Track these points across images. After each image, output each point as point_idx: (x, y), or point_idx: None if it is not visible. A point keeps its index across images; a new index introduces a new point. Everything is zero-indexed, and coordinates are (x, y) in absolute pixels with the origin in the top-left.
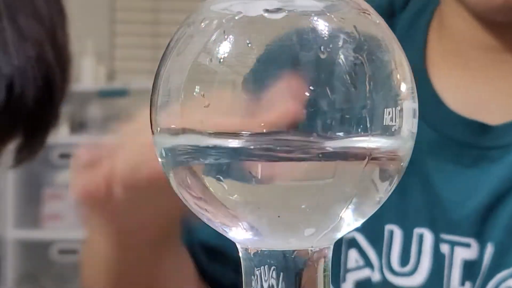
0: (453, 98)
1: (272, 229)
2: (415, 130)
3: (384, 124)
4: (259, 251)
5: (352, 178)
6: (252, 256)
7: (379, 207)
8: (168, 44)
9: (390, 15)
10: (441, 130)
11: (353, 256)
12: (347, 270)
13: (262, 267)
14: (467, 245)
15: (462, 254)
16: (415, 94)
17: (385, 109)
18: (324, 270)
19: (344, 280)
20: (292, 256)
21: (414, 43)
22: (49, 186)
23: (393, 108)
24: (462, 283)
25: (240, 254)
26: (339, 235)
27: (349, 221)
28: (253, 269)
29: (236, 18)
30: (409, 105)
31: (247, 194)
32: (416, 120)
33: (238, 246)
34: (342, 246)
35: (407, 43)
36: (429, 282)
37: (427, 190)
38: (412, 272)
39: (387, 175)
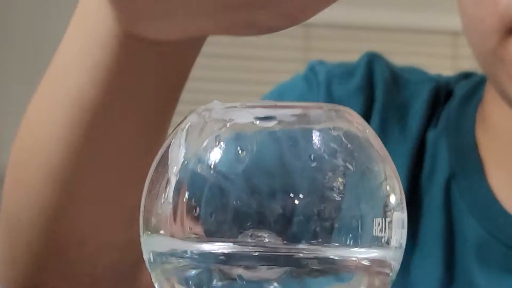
0: (508, 197)
1: None
2: (404, 241)
3: (374, 235)
4: None
5: None
6: None
7: None
8: (160, 149)
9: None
10: (491, 229)
11: None
12: None
13: None
14: None
15: None
16: (404, 205)
17: (374, 220)
18: None
19: None
20: None
21: (467, 133)
22: None
23: (382, 219)
24: None
25: None
26: None
27: None
28: None
29: (228, 125)
30: (398, 216)
31: None
32: (405, 231)
33: None
34: None
35: (459, 132)
36: None
37: None
38: None
39: (375, 286)
